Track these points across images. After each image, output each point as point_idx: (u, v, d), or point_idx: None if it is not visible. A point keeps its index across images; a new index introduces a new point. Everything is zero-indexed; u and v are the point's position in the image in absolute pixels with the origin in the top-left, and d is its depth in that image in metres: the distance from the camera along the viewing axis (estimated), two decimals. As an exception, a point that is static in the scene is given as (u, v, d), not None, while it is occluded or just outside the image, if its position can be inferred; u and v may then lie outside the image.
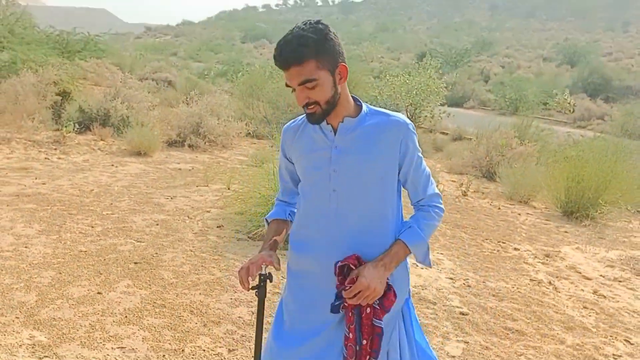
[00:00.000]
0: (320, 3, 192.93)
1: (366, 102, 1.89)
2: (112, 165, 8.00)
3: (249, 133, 11.88)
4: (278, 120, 12.42)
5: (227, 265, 4.40)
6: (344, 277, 1.76)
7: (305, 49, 1.65)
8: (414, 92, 16.88)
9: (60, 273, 3.96)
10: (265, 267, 1.80)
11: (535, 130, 15.68)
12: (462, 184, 9.17)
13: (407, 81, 17.03)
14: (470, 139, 13.54)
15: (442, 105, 18.50)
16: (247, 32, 79.44)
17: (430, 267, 1.78)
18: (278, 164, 2.06)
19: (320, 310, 1.84)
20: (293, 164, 1.94)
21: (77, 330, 3.17)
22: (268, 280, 1.79)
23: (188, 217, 5.61)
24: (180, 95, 15.02)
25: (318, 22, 1.71)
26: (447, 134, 17.91)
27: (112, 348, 3.01)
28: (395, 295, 1.79)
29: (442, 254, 5.39)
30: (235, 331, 3.35)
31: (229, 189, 6.61)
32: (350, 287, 1.72)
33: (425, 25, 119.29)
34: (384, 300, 1.77)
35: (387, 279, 1.77)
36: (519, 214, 7.69)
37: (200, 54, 50.24)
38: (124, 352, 2.99)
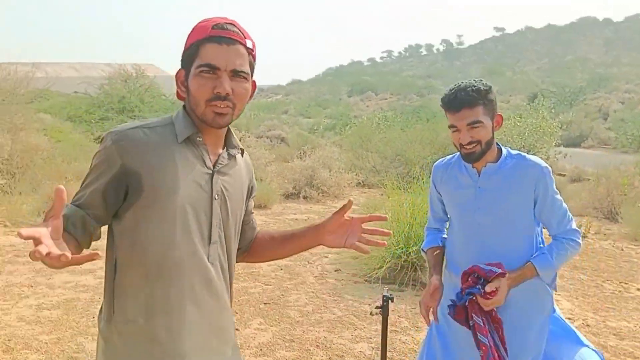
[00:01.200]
0: (424, 52, 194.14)
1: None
2: (237, 217, 8.72)
3: (359, 182, 12.33)
4: (387, 169, 12.75)
5: (347, 305, 4.74)
6: (478, 279, 2.02)
7: (477, 95, 2.00)
8: (526, 134, 16.47)
9: (202, 312, 4.49)
10: (388, 290, 2.11)
11: (661, 168, 14.69)
12: (580, 225, 8.89)
13: (518, 123, 16.67)
14: (590, 179, 12.97)
15: (557, 146, 17.85)
16: (353, 85, 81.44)
17: (556, 291, 2.03)
18: (429, 198, 2.39)
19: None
20: (441, 195, 2.29)
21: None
22: (390, 301, 2.09)
23: (308, 262, 6.06)
24: (293, 150, 15.91)
25: (482, 80, 2.08)
26: (564, 175, 17.20)
27: (251, 375, 3.43)
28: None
29: (559, 294, 5.35)
30: (358, 364, 3.65)
31: (343, 236, 6.99)
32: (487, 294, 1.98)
33: (535, 65, 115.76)
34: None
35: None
36: (645, 255, 7.33)
37: (309, 110, 52.35)
38: (261, 378, 3.39)
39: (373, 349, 3.88)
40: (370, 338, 4.05)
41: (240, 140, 1.63)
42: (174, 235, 1.38)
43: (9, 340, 3.78)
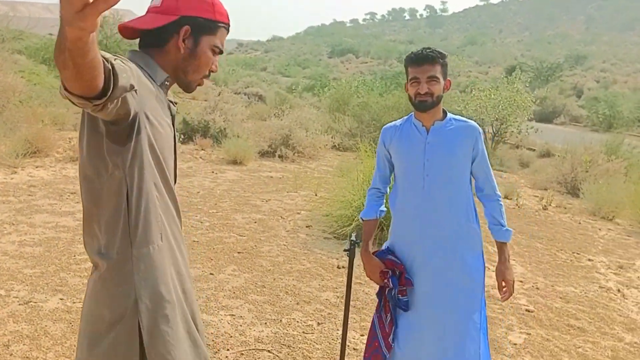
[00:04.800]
0: (408, 17, 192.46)
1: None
2: (213, 172, 8.90)
3: (335, 145, 12.54)
4: (362, 134, 12.97)
5: (315, 258, 5.02)
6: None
7: (438, 55, 2.35)
8: (500, 107, 16.71)
9: (178, 257, 4.73)
10: (355, 235, 2.44)
11: (627, 148, 15.25)
12: (542, 198, 9.32)
13: (494, 96, 16.87)
14: (558, 155, 13.41)
15: (529, 120, 18.17)
16: (334, 47, 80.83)
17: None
18: (376, 158, 2.65)
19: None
20: (390, 155, 2.56)
21: (197, 300, 3.87)
22: (357, 245, 2.38)
23: (281, 217, 6.31)
24: (271, 109, 15.97)
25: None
26: (534, 150, 17.61)
27: (224, 315, 3.70)
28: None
29: (514, 259, 5.72)
30: (323, 310, 3.94)
31: (316, 194, 7.25)
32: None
33: (517, 38, 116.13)
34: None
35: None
36: (600, 229, 7.77)
37: (288, 69, 51.93)
38: (234, 318, 3.67)
39: (338, 297, 4.19)
40: (336, 288, 4.35)
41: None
42: None
43: (-7, 272, 3.98)
